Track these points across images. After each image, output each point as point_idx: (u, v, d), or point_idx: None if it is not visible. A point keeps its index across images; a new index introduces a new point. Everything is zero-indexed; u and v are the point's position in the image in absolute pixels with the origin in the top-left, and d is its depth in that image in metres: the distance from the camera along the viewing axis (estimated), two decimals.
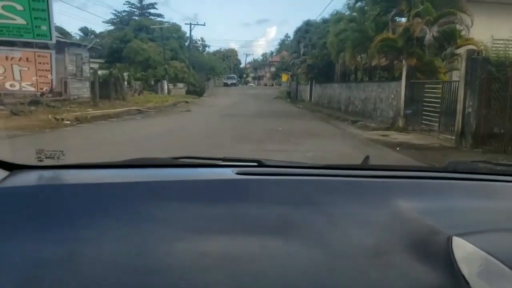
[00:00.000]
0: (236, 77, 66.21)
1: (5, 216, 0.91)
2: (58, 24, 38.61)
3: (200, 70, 46.82)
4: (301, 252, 0.89)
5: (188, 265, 0.84)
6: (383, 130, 12.68)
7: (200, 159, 1.40)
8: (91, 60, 24.82)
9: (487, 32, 12.91)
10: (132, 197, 1.02)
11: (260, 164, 1.30)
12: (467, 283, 0.79)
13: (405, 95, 13.14)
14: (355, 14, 18.40)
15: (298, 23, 51.84)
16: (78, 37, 45.45)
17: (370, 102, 17.15)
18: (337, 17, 21.40)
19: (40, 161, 1.27)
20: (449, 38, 13.20)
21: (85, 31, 50.69)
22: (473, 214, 1.07)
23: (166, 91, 34.26)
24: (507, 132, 8.70)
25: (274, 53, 79.78)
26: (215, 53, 71.09)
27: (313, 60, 28.02)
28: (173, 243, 0.89)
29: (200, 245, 0.88)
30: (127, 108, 17.62)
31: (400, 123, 13.10)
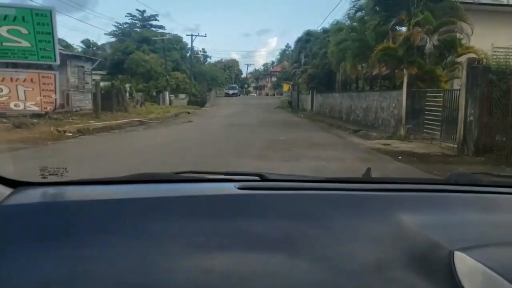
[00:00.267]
0: (237, 87, 66.48)
1: (9, 234, 0.92)
2: (60, 36, 38.98)
3: (201, 80, 47.10)
4: (304, 268, 0.89)
5: (191, 283, 0.83)
6: (384, 139, 12.66)
7: (202, 174, 1.41)
8: (93, 72, 24.98)
9: (488, 40, 12.97)
10: (135, 213, 1.02)
11: (262, 178, 1.31)
12: None
13: (406, 104, 13.15)
14: (355, 24, 18.52)
15: (298, 33, 52.11)
16: (80, 49, 45.81)
17: (371, 111, 17.17)
18: (337, 27, 21.55)
19: (44, 178, 1.28)
20: (450, 46, 13.26)
21: (87, 43, 51.09)
22: (475, 227, 1.07)
23: (167, 102, 34.41)
24: (509, 139, 8.67)
25: (275, 63, 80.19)
26: (216, 63, 71.47)
27: (314, 69, 28.15)
28: (176, 260, 0.89)
29: (203, 262, 0.88)
30: (129, 120, 17.69)
31: (402, 131, 13.09)
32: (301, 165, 7.64)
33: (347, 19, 20.16)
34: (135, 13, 49.94)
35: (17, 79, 1.48)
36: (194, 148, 10.29)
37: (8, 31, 1.39)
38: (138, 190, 1.22)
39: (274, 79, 72.01)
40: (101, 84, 22.36)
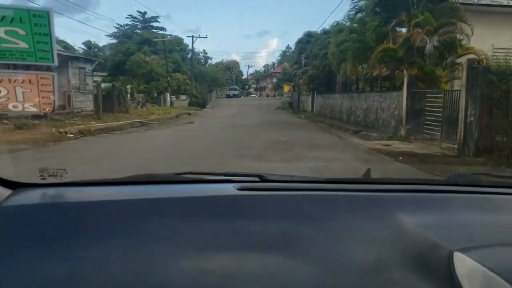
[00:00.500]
0: (238, 89, 66.44)
1: (9, 235, 0.92)
2: (61, 38, 39.02)
3: (202, 82, 47.13)
4: (303, 269, 0.89)
5: (190, 284, 0.84)
6: (385, 139, 12.65)
7: (202, 175, 1.41)
8: (94, 73, 25.02)
9: (488, 41, 12.96)
10: (135, 214, 1.02)
11: (262, 179, 1.31)
12: None
13: (406, 105, 13.15)
14: (355, 25, 18.52)
15: (299, 34, 52.13)
16: (81, 51, 45.89)
17: (371, 112, 17.17)
18: (337, 28, 21.55)
19: (44, 179, 1.28)
20: (450, 47, 13.26)
21: (88, 44, 51.18)
22: (474, 228, 1.07)
23: (168, 103, 34.42)
24: (509, 140, 8.67)
25: (276, 64, 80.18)
26: (217, 65, 71.53)
27: (314, 70, 28.16)
28: (175, 261, 0.89)
29: (202, 262, 0.89)
30: (130, 121, 17.69)
31: (402, 132, 13.09)
32: (301, 165, 7.64)
33: (347, 20, 20.19)
34: (136, 14, 50.07)
35: (15, 80, 1.48)
36: (195, 149, 10.30)
37: (5, 32, 1.40)
38: (137, 191, 1.22)
39: (274, 80, 72.01)
40: (102, 85, 22.36)
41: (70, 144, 11.00)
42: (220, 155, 8.84)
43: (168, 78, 37.66)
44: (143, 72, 37.14)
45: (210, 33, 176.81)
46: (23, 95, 1.40)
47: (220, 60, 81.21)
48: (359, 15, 18.05)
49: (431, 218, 1.10)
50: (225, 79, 66.55)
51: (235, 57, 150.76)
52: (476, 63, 10.03)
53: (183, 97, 39.46)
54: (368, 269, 0.90)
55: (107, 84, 25.12)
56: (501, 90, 8.97)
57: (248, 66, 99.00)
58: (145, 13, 49.63)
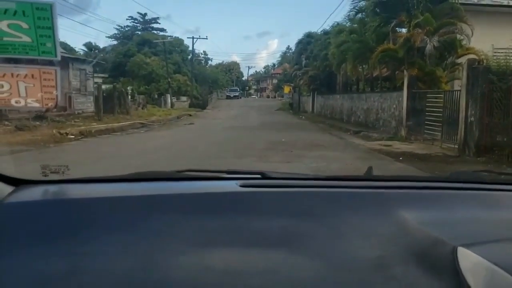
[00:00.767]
0: (238, 90, 66.42)
1: (11, 231, 0.92)
2: (62, 39, 39.01)
3: (203, 83, 47.16)
4: (305, 265, 0.89)
5: (192, 280, 0.84)
6: (385, 140, 12.65)
7: (203, 172, 1.41)
8: (95, 74, 25.06)
9: (488, 41, 12.96)
10: (136, 211, 1.02)
11: (264, 176, 1.31)
12: None
13: (407, 105, 13.15)
14: (355, 25, 18.53)
15: (299, 35, 52.18)
16: (82, 53, 45.91)
17: (372, 112, 17.17)
18: (338, 29, 21.56)
19: (45, 176, 1.28)
20: (450, 47, 13.26)
21: (89, 46, 51.18)
22: (477, 224, 1.07)
23: (169, 104, 34.44)
24: (510, 140, 8.67)
25: (276, 65, 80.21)
26: (217, 66, 71.54)
27: (315, 71, 28.15)
28: (177, 257, 0.89)
29: (204, 259, 0.89)
30: (131, 122, 17.70)
31: (403, 132, 13.08)
32: (302, 166, 7.63)
33: (347, 21, 20.21)
34: (137, 16, 50.14)
35: (17, 75, 1.46)
36: (196, 150, 10.31)
37: (8, 25, 1.38)
38: (139, 188, 1.22)
39: (275, 81, 72.04)
40: (103, 86, 22.38)
41: (71, 146, 11.01)
42: (221, 156, 8.85)
43: (169, 79, 37.68)
44: (144, 73, 37.17)
45: (210, 34, 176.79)
46: (26, 90, 1.39)
47: (220, 61, 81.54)
48: (359, 15, 18.06)
49: (434, 215, 1.10)
50: (225, 80, 66.58)
51: (235, 58, 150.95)
52: (477, 63, 10.03)
53: (184, 98, 39.48)
54: (370, 265, 0.90)
55: (107, 86, 25.15)
56: (502, 90, 8.97)
57: (249, 67, 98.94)
58: (145, 14, 49.77)
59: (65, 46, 35.67)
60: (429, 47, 12.69)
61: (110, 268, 0.85)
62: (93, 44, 51.13)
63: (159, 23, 57.17)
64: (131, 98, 27.07)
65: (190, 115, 27.18)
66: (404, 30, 14.81)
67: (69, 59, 21.64)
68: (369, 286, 0.86)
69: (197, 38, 51.53)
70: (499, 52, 12.19)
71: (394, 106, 14.71)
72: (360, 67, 19.09)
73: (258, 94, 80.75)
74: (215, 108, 38.55)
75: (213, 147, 10.79)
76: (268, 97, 69.61)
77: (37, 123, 13.98)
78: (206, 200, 1.11)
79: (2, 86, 1.45)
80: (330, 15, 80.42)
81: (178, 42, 46.74)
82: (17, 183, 1.14)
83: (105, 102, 19.74)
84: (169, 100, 35.06)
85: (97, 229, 0.94)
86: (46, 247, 0.88)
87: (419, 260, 0.90)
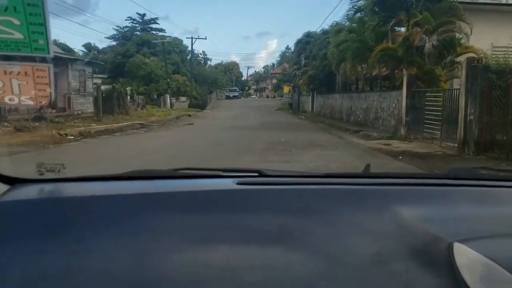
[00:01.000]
0: (238, 90, 66.45)
1: (6, 230, 0.92)
2: (61, 40, 39.10)
3: (202, 83, 47.16)
4: (302, 262, 0.89)
5: (189, 277, 0.84)
6: (385, 139, 12.65)
7: (201, 170, 1.41)
8: (94, 75, 25.05)
9: (487, 39, 12.98)
10: (133, 209, 1.02)
11: (261, 174, 1.31)
12: None
13: (406, 104, 13.15)
14: (354, 25, 18.55)
15: (298, 35, 52.18)
16: (81, 53, 45.95)
17: (371, 111, 17.17)
18: (337, 28, 21.58)
19: (41, 174, 1.28)
20: (449, 46, 13.27)
21: (88, 47, 51.24)
22: (474, 220, 1.07)
23: (168, 104, 34.44)
24: (509, 138, 8.68)
25: (276, 65, 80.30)
26: (216, 66, 71.56)
27: (314, 71, 28.16)
28: (174, 255, 0.89)
29: (201, 256, 0.88)
30: (131, 123, 17.70)
31: (402, 131, 13.09)
32: (301, 165, 7.64)
33: (346, 20, 20.25)
34: (136, 16, 50.12)
35: (11, 72, 1.45)
36: (195, 150, 10.31)
37: (0, 22, 1.37)
38: (136, 186, 1.22)
39: (274, 81, 72.10)
40: (102, 87, 22.39)
41: (70, 146, 11.01)
42: (220, 156, 8.85)
43: (168, 80, 37.69)
44: (143, 74, 37.19)
45: (209, 34, 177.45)
46: (19, 88, 1.38)
47: (219, 61, 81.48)
48: (358, 15, 18.10)
49: (431, 211, 1.10)
50: (224, 81, 66.61)
51: (234, 58, 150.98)
52: (476, 62, 10.03)
53: (183, 98, 39.48)
54: (367, 261, 0.90)
55: (107, 86, 25.16)
56: (501, 88, 8.98)
57: (248, 67, 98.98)
58: (144, 15, 49.76)
59: (64, 47, 35.67)
60: (428, 46, 12.69)
61: (106, 266, 0.84)
62: (92, 45, 51.25)
63: (158, 24, 57.26)
64: (130, 99, 27.10)
65: (190, 115, 27.18)
66: (403, 29, 14.84)
67: (68, 60, 21.63)
68: (366, 282, 0.86)
69: (196, 38, 51.72)
70: (498, 51, 12.21)
71: (394, 105, 14.71)
72: (359, 66, 19.11)
73: (258, 94, 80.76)
74: (215, 108, 38.56)
75: (212, 147, 10.79)
76: (267, 97, 69.63)
77: (36, 124, 13.98)
78: (203, 197, 1.10)
79: None
80: (329, 14, 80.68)
81: (177, 42, 46.79)
82: (13, 181, 1.14)
83: (104, 102, 19.75)
84: (168, 101, 35.06)
85: (93, 227, 0.94)
86: (41, 245, 0.88)
87: (417, 256, 0.90)
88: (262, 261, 0.89)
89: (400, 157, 9.11)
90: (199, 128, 18.27)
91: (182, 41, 47.85)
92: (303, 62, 32.72)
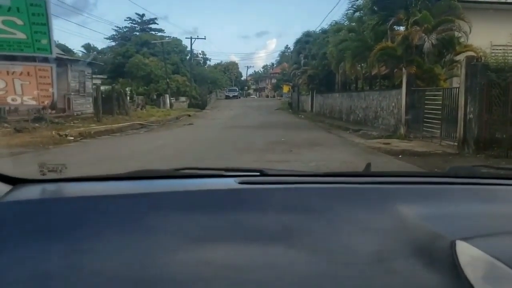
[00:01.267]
0: (237, 90, 66.38)
1: (8, 230, 0.92)
2: (61, 41, 39.05)
3: (201, 83, 47.11)
4: (304, 260, 0.89)
5: (190, 275, 0.84)
6: (385, 138, 12.66)
7: (202, 170, 1.41)
8: (94, 76, 25.05)
9: (486, 38, 12.98)
10: (134, 208, 1.02)
11: (263, 173, 1.31)
12: (472, 287, 0.79)
13: (406, 103, 13.16)
14: (354, 24, 18.55)
15: (297, 34, 52.21)
16: (81, 54, 45.94)
17: (371, 110, 17.17)
18: (336, 28, 21.58)
19: (43, 174, 1.28)
20: (448, 45, 13.28)
21: (87, 47, 51.25)
22: (475, 218, 1.07)
23: (168, 105, 34.43)
24: (509, 137, 8.69)
25: (275, 65, 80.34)
26: (216, 66, 71.50)
27: (313, 70, 28.14)
28: (176, 254, 0.89)
29: (202, 255, 0.89)
30: (130, 123, 17.69)
31: (402, 130, 13.09)
32: (302, 165, 7.64)
33: (345, 19, 20.26)
34: (135, 17, 50.11)
35: (13, 72, 1.46)
36: (196, 150, 10.31)
37: (3, 22, 1.37)
38: (137, 186, 1.22)
39: (274, 80, 72.10)
40: (102, 88, 22.39)
41: (70, 147, 11.00)
42: (220, 156, 8.86)
43: (167, 80, 37.66)
44: (142, 74, 37.17)
45: (208, 35, 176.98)
46: (22, 88, 1.38)
47: (219, 61, 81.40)
48: (357, 14, 18.10)
49: (432, 209, 1.10)
50: (224, 80, 66.56)
51: (234, 58, 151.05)
52: (475, 60, 10.04)
53: (183, 98, 39.45)
54: (369, 260, 0.90)
55: (106, 87, 25.15)
56: (500, 86, 8.98)
57: (247, 67, 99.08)
58: (143, 15, 49.76)
59: (63, 47, 35.63)
60: (427, 44, 12.69)
61: (108, 266, 0.84)
62: (92, 45, 51.23)
63: (157, 24, 57.09)
64: (130, 99, 27.10)
65: (189, 115, 27.16)
66: (402, 28, 14.84)
67: (68, 60, 21.62)
68: (368, 281, 0.86)
69: (196, 38, 51.64)
70: (497, 49, 12.20)
71: (393, 104, 14.71)
72: (359, 65, 19.11)
73: (257, 93, 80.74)
74: (214, 108, 38.53)
75: (212, 147, 10.79)
76: (267, 96, 69.64)
77: (36, 124, 13.98)
78: (204, 197, 1.11)
79: None
80: (328, 14, 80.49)
81: (177, 42, 46.79)
82: (14, 182, 1.14)
83: (104, 103, 19.74)
84: (168, 101, 35.03)
85: (94, 227, 0.94)
86: (43, 245, 0.88)
87: (418, 254, 0.90)
88: (264, 259, 0.89)
89: (400, 156, 9.12)
90: (199, 128, 18.27)
91: (181, 41, 47.94)
92: (302, 62, 32.68)
